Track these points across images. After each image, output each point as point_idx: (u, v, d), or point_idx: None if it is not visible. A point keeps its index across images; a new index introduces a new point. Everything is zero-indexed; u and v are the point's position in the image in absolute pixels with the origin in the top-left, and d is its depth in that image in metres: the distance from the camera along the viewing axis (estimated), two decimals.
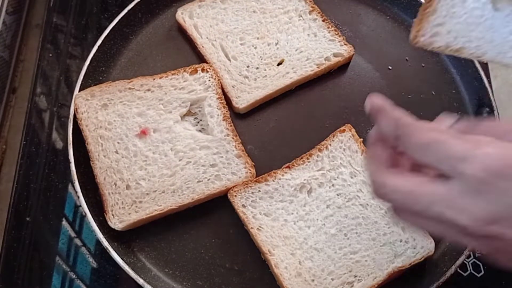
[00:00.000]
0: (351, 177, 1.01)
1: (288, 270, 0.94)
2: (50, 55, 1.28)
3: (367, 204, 0.99)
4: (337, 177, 1.01)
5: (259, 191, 1.00)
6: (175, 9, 1.23)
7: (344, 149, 1.03)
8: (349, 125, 1.06)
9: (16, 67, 1.34)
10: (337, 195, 1.00)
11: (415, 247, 0.96)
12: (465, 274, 1.08)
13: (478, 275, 1.08)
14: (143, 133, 1.04)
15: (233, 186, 1.00)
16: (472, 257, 1.10)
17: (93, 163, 1.02)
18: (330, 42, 1.17)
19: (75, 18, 1.33)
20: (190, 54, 1.18)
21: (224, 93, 1.11)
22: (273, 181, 1.01)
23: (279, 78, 1.12)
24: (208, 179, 1.01)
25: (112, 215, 0.98)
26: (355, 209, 0.99)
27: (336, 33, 1.18)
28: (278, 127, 1.12)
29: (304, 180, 1.01)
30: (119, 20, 1.17)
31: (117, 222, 0.97)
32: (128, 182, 1.00)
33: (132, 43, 1.20)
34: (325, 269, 0.95)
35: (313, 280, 0.94)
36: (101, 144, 1.03)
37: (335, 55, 1.16)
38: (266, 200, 1.00)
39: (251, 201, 1.00)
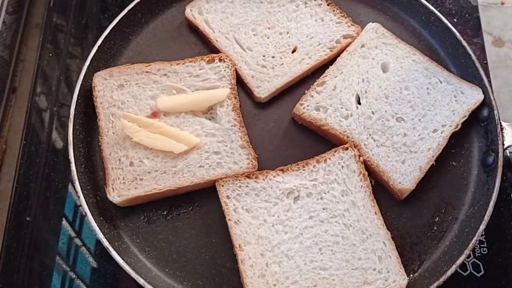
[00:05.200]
0: (342, 195, 1.01)
1: (253, 269, 0.94)
2: (50, 55, 1.28)
3: (351, 225, 0.99)
4: (328, 192, 1.01)
5: (247, 186, 1.01)
6: (175, 9, 1.24)
7: (342, 166, 1.03)
8: (353, 144, 1.05)
9: (16, 67, 1.34)
10: (323, 209, 1.00)
11: (387, 279, 0.95)
12: (465, 274, 1.08)
13: (478, 275, 1.08)
14: (154, 115, 1.07)
15: (224, 176, 1.02)
16: (472, 257, 1.10)
17: (101, 138, 1.05)
18: (338, 25, 1.19)
19: (75, 18, 1.33)
20: (190, 53, 1.18)
21: (244, 84, 1.14)
22: (263, 180, 1.02)
23: (296, 65, 1.15)
24: (210, 165, 1.03)
25: (112, 188, 1.00)
26: (337, 227, 0.99)
27: (342, 15, 1.20)
28: (278, 127, 1.12)
29: (294, 186, 1.01)
30: (119, 20, 1.17)
31: (115, 196, 1.00)
32: (132, 159, 1.03)
33: (132, 43, 1.20)
34: (290, 277, 0.95)
35: (275, 285, 0.94)
36: (112, 121, 1.06)
37: (344, 36, 1.18)
38: (251, 197, 1.00)
39: (236, 194, 1.00)
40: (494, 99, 1.10)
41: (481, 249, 1.11)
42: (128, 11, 1.18)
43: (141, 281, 0.93)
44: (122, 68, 1.11)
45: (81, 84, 1.09)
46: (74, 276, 1.06)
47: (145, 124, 1.04)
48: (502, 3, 1.56)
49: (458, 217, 1.05)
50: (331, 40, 1.18)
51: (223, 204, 0.99)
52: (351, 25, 1.19)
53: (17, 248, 1.08)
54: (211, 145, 1.05)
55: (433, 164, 1.05)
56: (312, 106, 1.09)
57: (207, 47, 1.20)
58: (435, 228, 1.04)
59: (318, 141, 1.11)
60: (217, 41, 1.17)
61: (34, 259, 1.07)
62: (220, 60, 1.12)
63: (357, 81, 1.12)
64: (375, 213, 0.99)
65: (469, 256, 1.09)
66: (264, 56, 1.16)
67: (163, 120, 1.07)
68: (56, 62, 1.27)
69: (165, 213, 1.04)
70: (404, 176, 1.03)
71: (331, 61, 1.16)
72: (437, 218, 1.05)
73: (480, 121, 1.12)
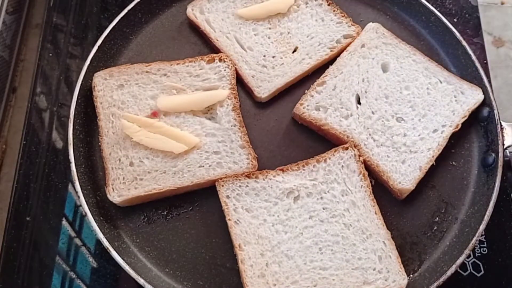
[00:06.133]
0: (342, 195, 1.01)
1: (253, 269, 0.94)
2: (50, 55, 1.28)
3: (351, 225, 0.99)
4: (328, 191, 1.01)
5: (247, 186, 1.01)
6: (176, 9, 1.24)
7: (342, 166, 1.03)
8: (353, 144, 1.05)
9: (16, 66, 1.34)
10: (323, 208, 1.00)
11: (387, 279, 0.95)
12: (465, 274, 1.08)
13: (478, 275, 1.08)
14: (154, 115, 1.07)
15: (224, 176, 1.02)
16: (472, 257, 1.10)
17: (101, 138, 1.05)
18: (338, 25, 1.20)
19: (75, 18, 1.33)
20: (190, 53, 1.18)
21: (244, 83, 1.14)
22: (263, 179, 1.02)
23: (296, 64, 1.15)
24: (210, 165, 1.03)
25: (112, 188, 1.01)
26: (337, 226, 0.99)
27: (342, 15, 1.20)
28: (278, 127, 1.12)
29: (294, 186, 1.01)
30: (119, 20, 1.17)
31: (115, 196, 1.00)
32: (132, 159, 1.03)
33: (132, 43, 1.20)
34: (290, 277, 0.95)
35: (274, 285, 0.94)
36: (112, 121, 1.06)
37: (345, 36, 1.19)
38: (251, 196, 1.00)
39: (236, 194, 1.00)
40: (494, 99, 1.10)
41: (481, 249, 1.11)
42: (128, 11, 1.18)
43: (141, 281, 0.93)
44: (122, 68, 1.11)
45: (81, 84, 1.09)
46: (74, 276, 1.06)
47: (145, 124, 1.04)
48: (502, 3, 1.56)
49: (458, 217, 1.05)
50: (331, 40, 1.18)
51: (223, 204, 0.99)
52: (352, 25, 1.19)
53: (17, 248, 1.08)
54: (211, 145, 1.05)
55: (433, 164, 1.05)
56: (312, 106, 1.09)
57: (207, 47, 1.20)
58: (435, 228, 1.04)
59: (318, 141, 1.11)
60: (217, 40, 1.17)
61: (34, 259, 1.07)
62: (220, 60, 1.12)
63: (357, 81, 1.12)
64: (375, 213, 0.99)
65: (469, 256, 1.09)
66: (264, 56, 1.16)
67: (163, 120, 1.07)
68: (56, 62, 1.28)
69: (165, 213, 1.04)
70: (404, 176, 1.03)
71: (331, 61, 1.16)
72: (437, 218, 1.05)
73: (480, 121, 1.12)
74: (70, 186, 1.14)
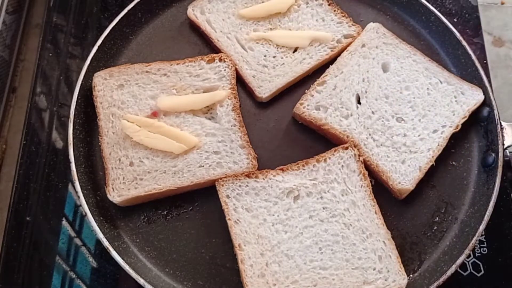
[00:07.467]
0: (342, 195, 1.01)
1: (252, 269, 0.94)
2: (50, 55, 1.28)
3: (351, 224, 0.99)
4: (328, 191, 1.01)
5: (247, 186, 1.01)
6: (176, 9, 1.24)
7: (342, 166, 1.03)
8: (353, 144, 1.05)
9: (16, 66, 1.35)
10: (323, 208, 1.00)
11: (387, 279, 0.95)
12: (465, 274, 1.08)
13: (478, 275, 1.08)
14: (154, 115, 1.07)
15: (224, 176, 1.02)
16: (472, 257, 1.10)
17: (101, 138, 1.05)
18: (339, 25, 1.20)
19: (75, 18, 1.33)
20: (190, 53, 1.18)
21: (245, 83, 1.14)
22: (263, 179, 1.02)
23: (297, 64, 1.15)
24: (210, 165, 1.03)
25: (112, 188, 1.01)
26: (337, 226, 0.99)
27: (343, 15, 1.20)
28: (278, 127, 1.12)
29: (294, 185, 1.01)
30: (119, 20, 1.17)
31: (115, 196, 1.00)
32: (132, 159, 1.03)
33: (132, 43, 1.20)
34: (290, 277, 0.95)
35: (274, 285, 0.94)
36: (112, 121, 1.06)
37: (345, 36, 1.19)
38: (251, 196, 1.00)
39: (236, 194, 1.00)
40: (494, 99, 1.10)
41: (481, 249, 1.11)
42: (128, 11, 1.18)
43: (141, 281, 0.93)
44: (122, 68, 1.11)
45: (81, 84, 1.09)
46: (74, 276, 1.06)
47: (145, 124, 1.04)
48: (502, 3, 1.56)
49: (458, 217, 1.05)
50: (332, 40, 1.18)
51: (223, 204, 0.99)
52: (352, 25, 1.19)
53: (17, 248, 1.08)
54: (211, 145, 1.05)
55: (433, 164, 1.05)
56: (312, 106, 1.09)
57: (207, 47, 1.20)
58: (435, 228, 1.04)
59: (318, 140, 1.11)
60: (218, 41, 1.17)
61: (34, 259, 1.07)
62: (220, 60, 1.12)
63: (358, 81, 1.12)
64: (375, 213, 0.99)
65: (469, 256, 1.09)
66: (265, 56, 1.16)
67: (163, 120, 1.07)
68: (56, 62, 1.28)
69: (165, 213, 1.04)
70: (404, 176, 1.03)
71: (331, 60, 1.16)
72: (437, 218, 1.05)
73: (480, 121, 1.12)
74: (70, 186, 1.14)
